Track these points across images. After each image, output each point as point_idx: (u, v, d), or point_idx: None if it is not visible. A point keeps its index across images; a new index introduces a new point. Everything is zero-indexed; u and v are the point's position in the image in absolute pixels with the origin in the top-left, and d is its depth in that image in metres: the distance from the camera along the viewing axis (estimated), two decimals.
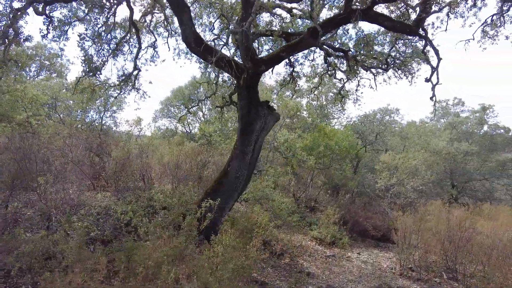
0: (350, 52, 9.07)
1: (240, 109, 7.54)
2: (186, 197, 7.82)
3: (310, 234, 10.77)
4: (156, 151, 12.69)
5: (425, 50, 7.69)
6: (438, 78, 7.61)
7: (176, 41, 11.30)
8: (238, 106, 7.78)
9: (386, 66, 9.58)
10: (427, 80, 7.71)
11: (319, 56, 13.04)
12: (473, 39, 7.63)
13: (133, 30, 9.01)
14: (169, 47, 11.05)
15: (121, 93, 10.57)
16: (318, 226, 11.17)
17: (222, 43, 9.07)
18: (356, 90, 13.53)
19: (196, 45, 7.07)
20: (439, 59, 7.31)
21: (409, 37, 9.36)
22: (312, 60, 12.74)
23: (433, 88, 7.83)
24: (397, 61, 10.36)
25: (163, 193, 8.42)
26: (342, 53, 9.25)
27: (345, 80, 10.98)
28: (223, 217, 6.91)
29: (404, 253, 9.46)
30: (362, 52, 9.66)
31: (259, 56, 8.74)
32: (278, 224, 9.42)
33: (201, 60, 9.87)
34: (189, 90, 22.04)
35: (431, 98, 8.02)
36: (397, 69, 10.03)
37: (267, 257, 7.79)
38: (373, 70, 9.85)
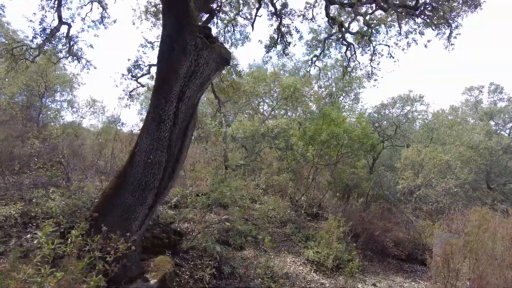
0: None
1: (161, 45, 4.43)
2: (84, 198, 4.86)
3: (304, 254, 7.53)
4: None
5: None
6: None
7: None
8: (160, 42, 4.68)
9: (416, 2, 6.29)
10: None
11: (320, 13, 9.77)
12: None
13: None
14: None
15: (39, 55, 7.72)
16: (317, 242, 7.92)
17: None
18: (371, 60, 10.31)
19: None
20: None
21: None
22: (312, 19, 9.61)
23: None
24: (429, 7, 7.08)
25: (65, 192, 5.46)
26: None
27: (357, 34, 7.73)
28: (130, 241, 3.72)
29: None
30: None
31: None
32: (246, 242, 6.28)
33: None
34: None
35: None
36: (432, 12, 6.72)
37: None
38: (398, 9, 6.54)
